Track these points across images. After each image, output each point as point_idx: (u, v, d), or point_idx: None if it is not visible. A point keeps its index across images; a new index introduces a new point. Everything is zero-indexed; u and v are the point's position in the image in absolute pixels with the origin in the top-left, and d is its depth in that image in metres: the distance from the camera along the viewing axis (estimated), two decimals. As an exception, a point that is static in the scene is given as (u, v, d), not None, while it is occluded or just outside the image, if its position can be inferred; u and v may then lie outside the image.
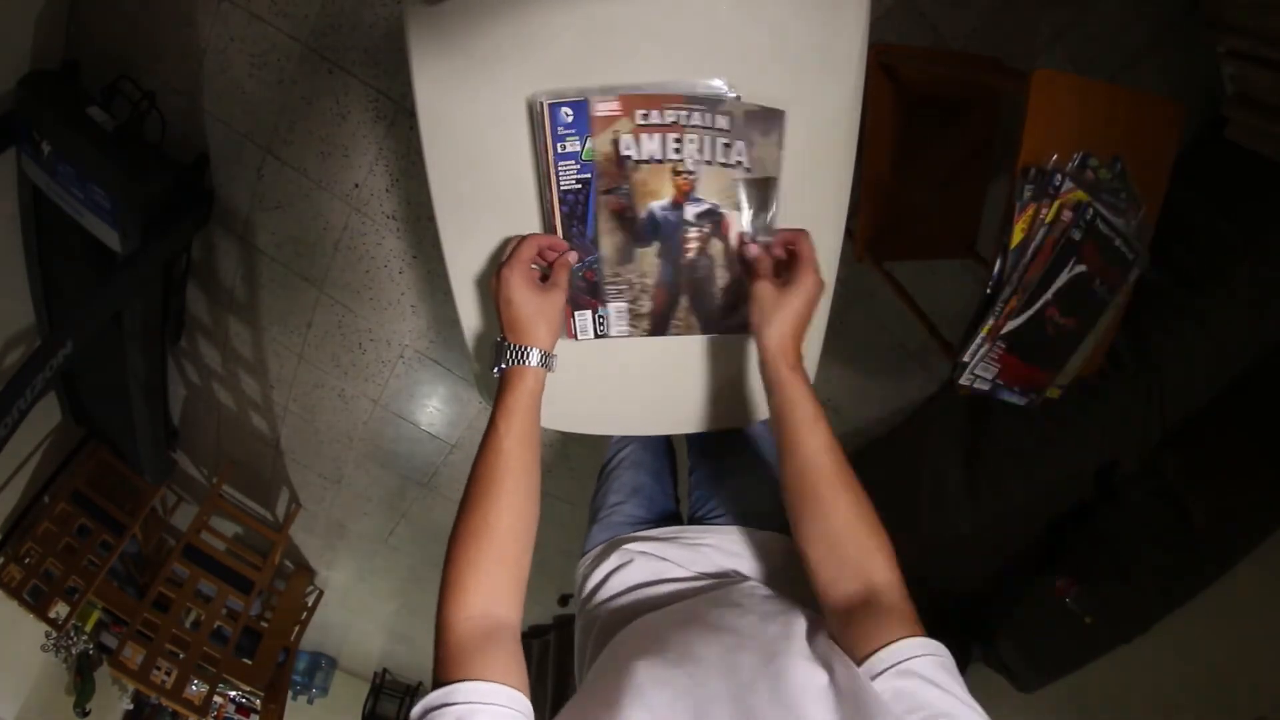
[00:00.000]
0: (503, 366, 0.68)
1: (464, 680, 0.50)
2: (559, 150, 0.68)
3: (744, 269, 0.75)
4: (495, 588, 0.58)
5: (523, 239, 0.71)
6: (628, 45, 0.66)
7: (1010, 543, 2.02)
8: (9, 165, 1.80)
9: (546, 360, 0.68)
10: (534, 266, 0.72)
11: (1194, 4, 1.55)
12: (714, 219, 0.73)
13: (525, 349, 0.67)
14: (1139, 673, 1.84)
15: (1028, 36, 1.66)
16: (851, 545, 0.60)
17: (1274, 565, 1.61)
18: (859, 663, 0.52)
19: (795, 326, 0.68)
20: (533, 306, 0.68)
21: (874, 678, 0.50)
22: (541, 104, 0.66)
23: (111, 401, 2.46)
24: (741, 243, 0.74)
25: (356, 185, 1.89)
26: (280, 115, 1.79)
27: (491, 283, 0.70)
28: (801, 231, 0.72)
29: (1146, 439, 1.73)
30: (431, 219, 0.75)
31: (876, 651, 0.51)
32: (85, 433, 2.83)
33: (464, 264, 0.79)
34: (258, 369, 2.49)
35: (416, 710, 0.49)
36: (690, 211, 0.72)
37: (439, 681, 0.51)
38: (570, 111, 0.66)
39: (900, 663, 0.50)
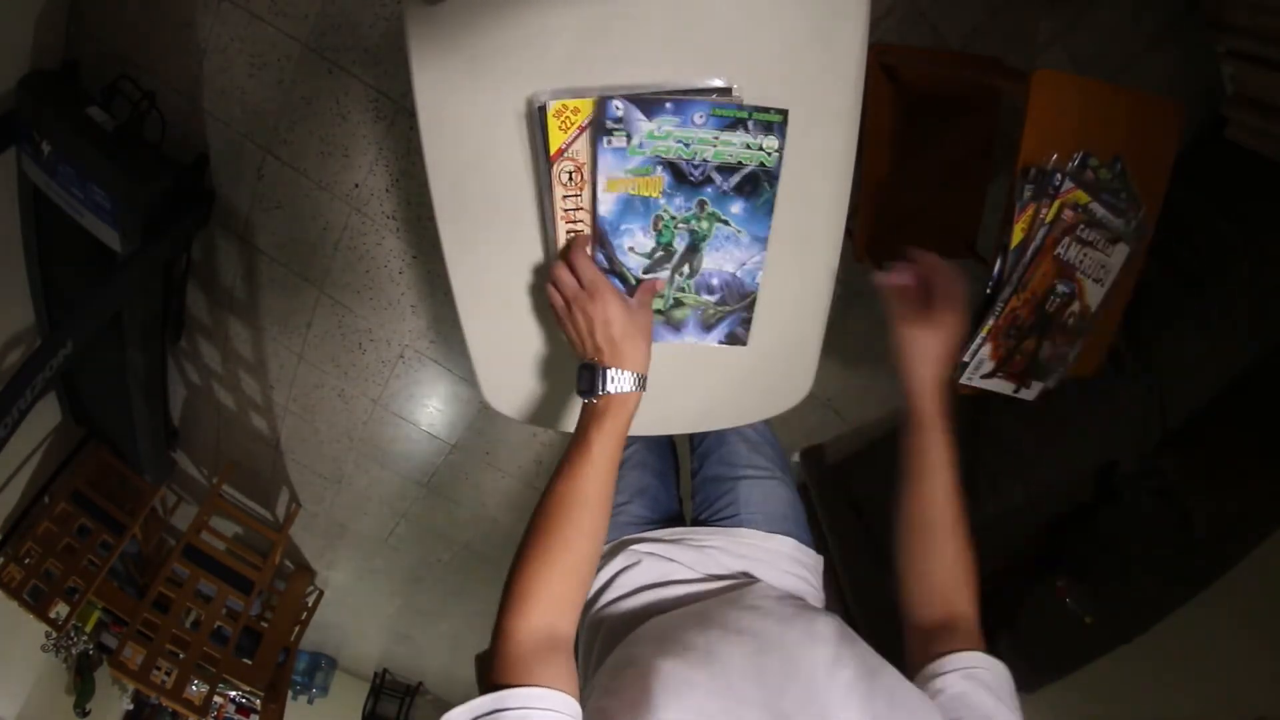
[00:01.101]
0: (600, 393, 0.65)
1: (518, 686, 0.50)
2: (604, 145, 0.66)
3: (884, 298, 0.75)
4: (561, 603, 0.57)
5: (573, 250, 0.69)
6: (627, 45, 0.66)
7: (1010, 543, 2.02)
8: (9, 165, 1.80)
9: (642, 382, 0.67)
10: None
11: (1194, 4, 1.55)
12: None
13: (625, 373, 0.65)
14: (1139, 673, 1.84)
15: (1028, 36, 1.66)
16: (949, 582, 0.66)
17: (1274, 565, 1.61)
18: (929, 660, 0.58)
19: (946, 370, 0.70)
20: (634, 326, 0.67)
21: (941, 675, 0.56)
22: (605, 101, 0.65)
23: (111, 401, 2.46)
24: (880, 270, 0.74)
25: (356, 185, 1.89)
26: (280, 115, 1.79)
27: (555, 298, 0.69)
28: (946, 266, 0.71)
29: (1146, 439, 1.73)
30: (431, 219, 0.75)
31: (948, 654, 0.58)
32: (85, 433, 2.83)
33: (464, 264, 0.78)
34: (258, 369, 2.49)
35: (460, 712, 0.48)
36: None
37: (494, 686, 0.50)
38: (620, 106, 0.65)
39: (968, 668, 0.56)
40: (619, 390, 0.65)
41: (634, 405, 0.66)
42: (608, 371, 0.66)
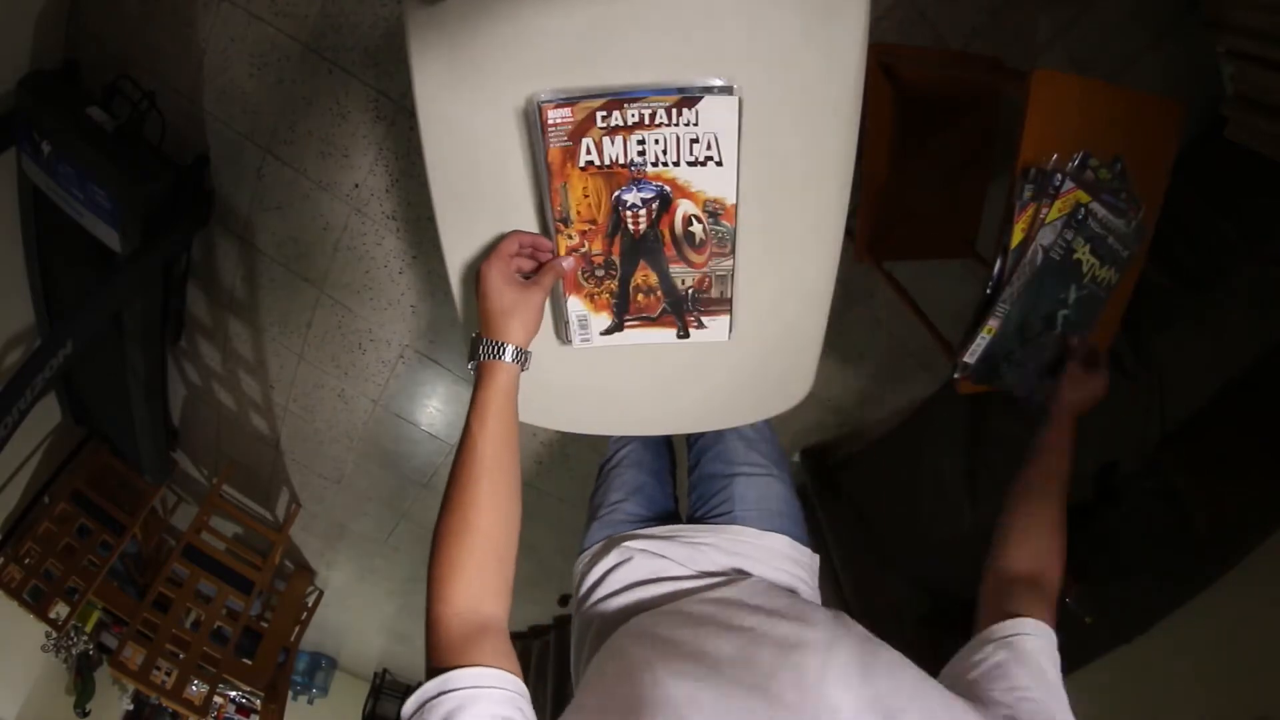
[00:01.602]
0: (477, 362, 0.68)
1: (458, 668, 0.50)
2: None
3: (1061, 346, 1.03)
4: (480, 586, 0.58)
5: (505, 235, 0.72)
6: (627, 45, 0.66)
7: (1010, 543, 2.02)
8: (9, 165, 1.80)
9: (520, 357, 0.68)
10: (522, 264, 0.73)
11: (1194, 4, 1.55)
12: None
13: (499, 344, 0.67)
14: (1139, 673, 1.84)
15: (1028, 36, 1.66)
16: (1044, 546, 0.74)
17: (1274, 565, 1.61)
18: (996, 620, 0.61)
19: (1089, 406, 0.93)
20: (507, 301, 0.68)
21: (991, 642, 0.59)
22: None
23: (111, 401, 2.46)
24: (1069, 335, 1.04)
25: (356, 185, 1.89)
26: (280, 115, 1.79)
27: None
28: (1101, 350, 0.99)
29: (1146, 439, 1.73)
30: (431, 219, 0.75)
31: (1003, 620, 0.61)
32: (85, 433, 2.83)
33: (464, 264, 0.79)
34: (258, 369, 2.49)
35: (410, 704, 0.49)
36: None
37: (436, 671, 0.52)
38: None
39: (1013, 636, 0.59)
40: (489, 360, 0.67)
41: (505, 378, 0.67)
42: (479, 341, 0.68)
